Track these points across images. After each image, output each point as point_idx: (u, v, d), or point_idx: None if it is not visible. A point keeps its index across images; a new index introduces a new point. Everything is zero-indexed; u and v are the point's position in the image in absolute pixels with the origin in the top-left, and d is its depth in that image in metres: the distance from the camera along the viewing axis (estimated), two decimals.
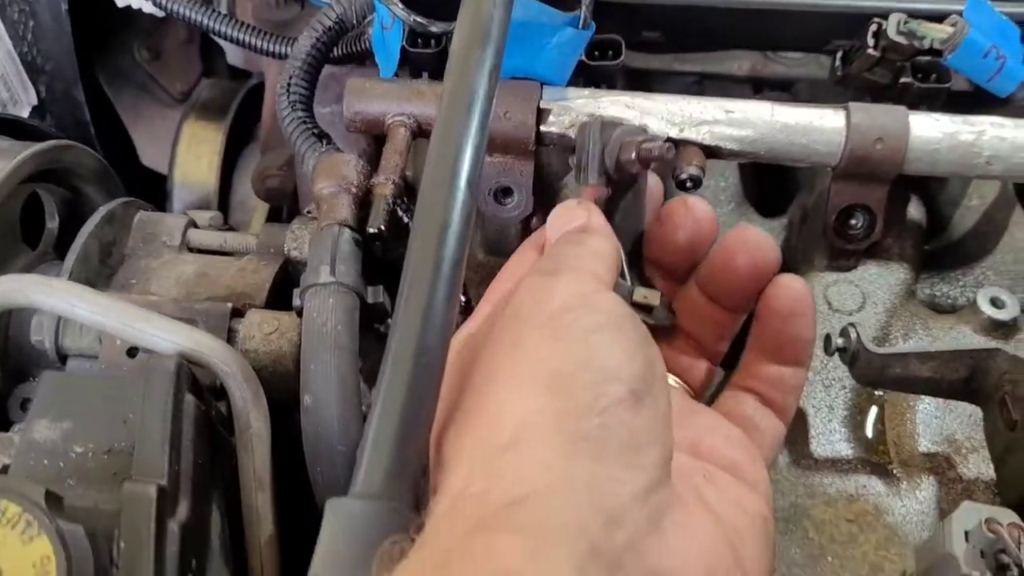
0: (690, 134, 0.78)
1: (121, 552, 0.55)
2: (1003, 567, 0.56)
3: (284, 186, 1.09)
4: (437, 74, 0.86)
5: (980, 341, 0.81)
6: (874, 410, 0.79)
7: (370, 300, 0.73)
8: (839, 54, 0.89)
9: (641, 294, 0.62)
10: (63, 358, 0.76)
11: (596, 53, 0.87)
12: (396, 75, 0.88)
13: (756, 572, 0.51)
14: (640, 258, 0.67)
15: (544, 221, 0.92)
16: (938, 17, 0.82)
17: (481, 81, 0.56)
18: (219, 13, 0.98)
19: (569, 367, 0.46)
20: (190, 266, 0.84)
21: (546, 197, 0.93)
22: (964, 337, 0.81)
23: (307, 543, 0.48)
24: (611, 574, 0.41)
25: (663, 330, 0.64)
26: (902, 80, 0.86)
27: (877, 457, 0.77)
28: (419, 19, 0.83)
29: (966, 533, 0.59)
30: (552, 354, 0.47)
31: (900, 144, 0.78)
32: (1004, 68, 0.81)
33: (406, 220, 0.77)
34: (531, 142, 0.80)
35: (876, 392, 0.79)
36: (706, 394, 0.67)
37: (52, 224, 0.91)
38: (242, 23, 0.97)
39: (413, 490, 0.48)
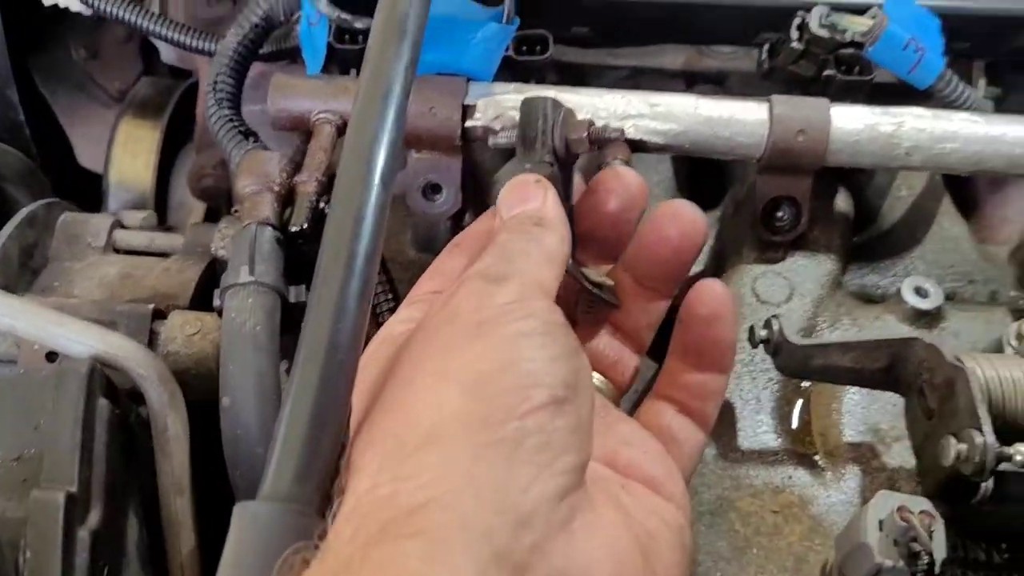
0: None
1: (27, 561, 0.55)
2: (914, 555, 0.57)
3: (219, 185, 1.08)
4: None
5: (904, 330, 0.82)
6: (800, 401, 0.79)
7: (292, 299, 0.72)
8: (766, 47, 0.90)
9: (595, 272, 0.61)
10: None
11: (524, 48, 0.87)
12: (325, 71, 0.87)
13: None
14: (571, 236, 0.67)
15: (475, 216, 0.92)
16: (860, 10, 0.83)
17: (397, 75, 0.56)
18: (148, 11, 0.97)
19: (493, 369, 0.45)
20: (114, 267, 0.83)
21: (477, 193, 0.93)
22: (889, 327, 0.82)
23: None
24: None
25: (605, 311, 0.63)
26: (826, 73, 0.86)
27: (803, 448, 0.77)
28: (344, 15, 0.82)
29: (880, 522, 0.59)
30: (478, 356, 0.46)
31: (822, 135, 0.79)
32: (923, 60, 0.82)
33: None
34: (457, 138, 0.79)
35: (803, 383, 0.80)
36: (631, 390, 0.67)
37: None
38: (172, 21, 0.96)
39: (323, 492, 0.48)
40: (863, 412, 0.78)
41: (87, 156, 1.30)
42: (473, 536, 0.41)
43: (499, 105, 0.79)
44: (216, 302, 0.71)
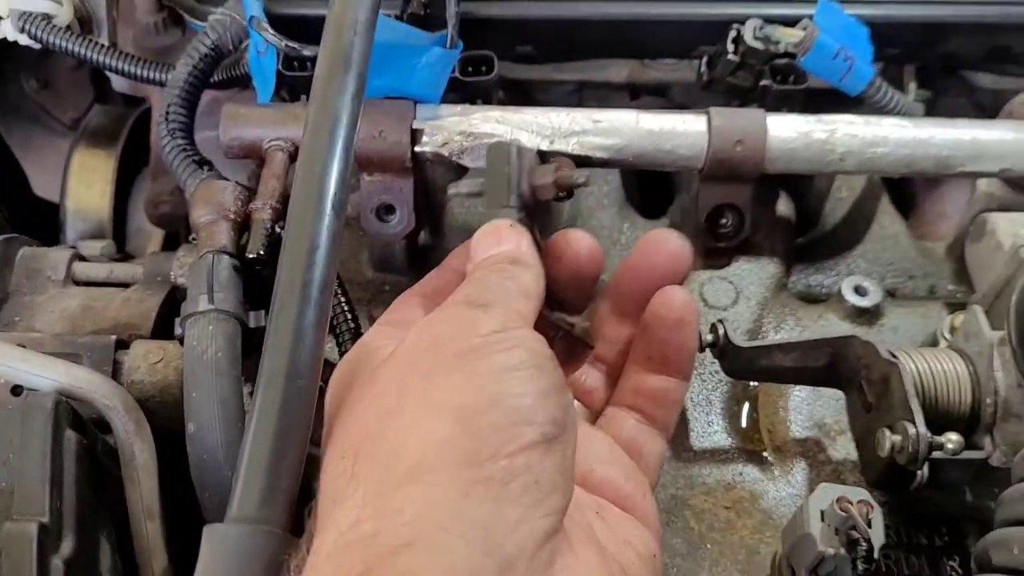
0: (560, 145, 0.81)
1: None
2: (853, 542, 0.60)
3: (176, 212, 1.09)
4: None
5: (845, 328, 0.85)
6: (748, 401, 0.82)
7: (252, 325, 0.74)
8: (704, 60, 0.93)
9: (567, 319, 0.61)
10: None
11: (470, 69, 0.90)
12: (275, 97, 0.89)
13: None
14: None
15: (432, 235, 0.94)
16: (792, 22, 0.87)
17: (343, 106, 0.58)
18: (97, 43, 0.97)
19: (482, 403, 0.45)
20: (75, 299, 0.83)
21: (431, 211, 0.95)
22: (831, 325, 0.86)
23: None
24: None
25: (580, 352, 0.63)
26: (762, 83, 0.90)
27: (752, 445, 0.80)
28: (291, 44, 0.84)
29: (822, 513, 0.62)
30: (466, 387, 0.46)
31: (759, 144, 0.82)
32: (853, 68, 0.85)
33: None
34: (407, 160, 0.82)
35: (751, 384, 0.83)
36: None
37: None
38: (121, 52, 0.97)
39: (290, 512, 0.49)
40: (808, 408, 0.81)
41: (42, 186, 1.30)
42: None
43: (446, 128, 0.81)
44: (177, 330, 0.72)
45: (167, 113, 0.87)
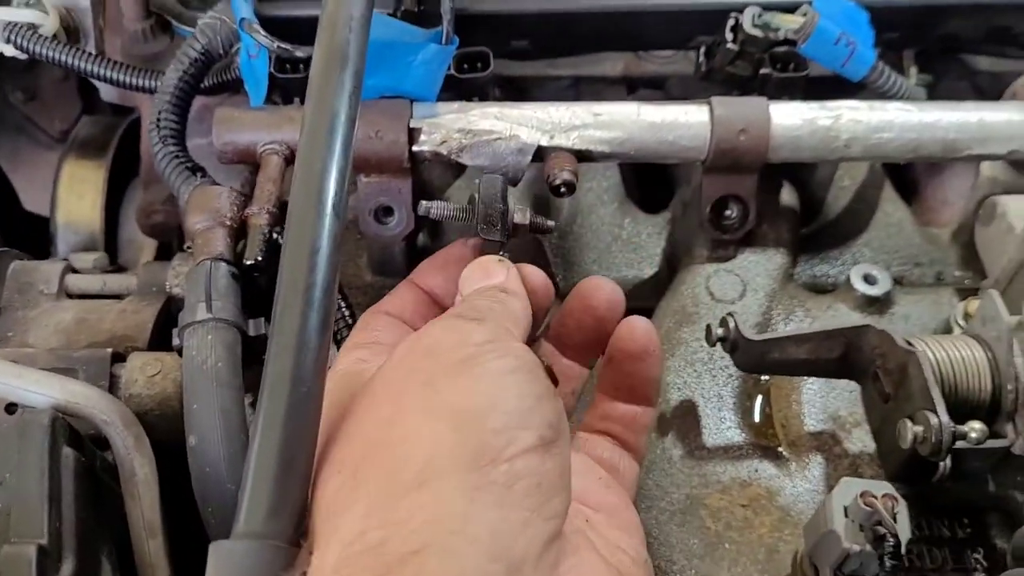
0: (561, 140, 0.79)
1: None
2: (880, 538, 0.58)
3: (169, 221, 1.07)
4: None
5: (856, 318, 0.84)
6: (760, 395, 0.81)
7: (252, 333, 0.72)
8: (702, 50, 0.91)
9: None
10: None
11: (465, 66, 0.88)
12: (267, 101, 0.87)
13: None
14: None
15: (431, 236, 0.93)
16: (791, 8, 0.85)
17: (341, 106, 0.56)
18: (84, 52, 0.95)
19: (481, 407, 0.45)
20: (69, 313, 0.82)
21: None
22: (841, 315, 0.84)
23: None
24: None
25: None
26: (762, 71, 0.88)
27: (767, 440, 0.79)
28: (283, 45, 0.82)
29: (845, 508, 0.61)
30: (465, 392, 0.46)
31: (763, 133, 0.80)
32: (855, 53, 0.84)
33: None
34: (405, 160, 0.80)
35: (762, 377, 0.81)
36: None
37: None
38: (108, 60, 0.95)
39: (297, 526, 0.48)
40: (822, 401, 0.79)
41: (32, 200, 1.28)
42: None
43: (443, 126, 0.79)
44: (175, 341, 0.71)
45: (158, 120, 0.86)
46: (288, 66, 0.87)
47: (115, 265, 1.12)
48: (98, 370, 0.73)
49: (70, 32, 1.01)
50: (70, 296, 0.86)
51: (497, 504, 0.43)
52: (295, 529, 0.47)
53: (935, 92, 0.99)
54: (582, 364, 0.65)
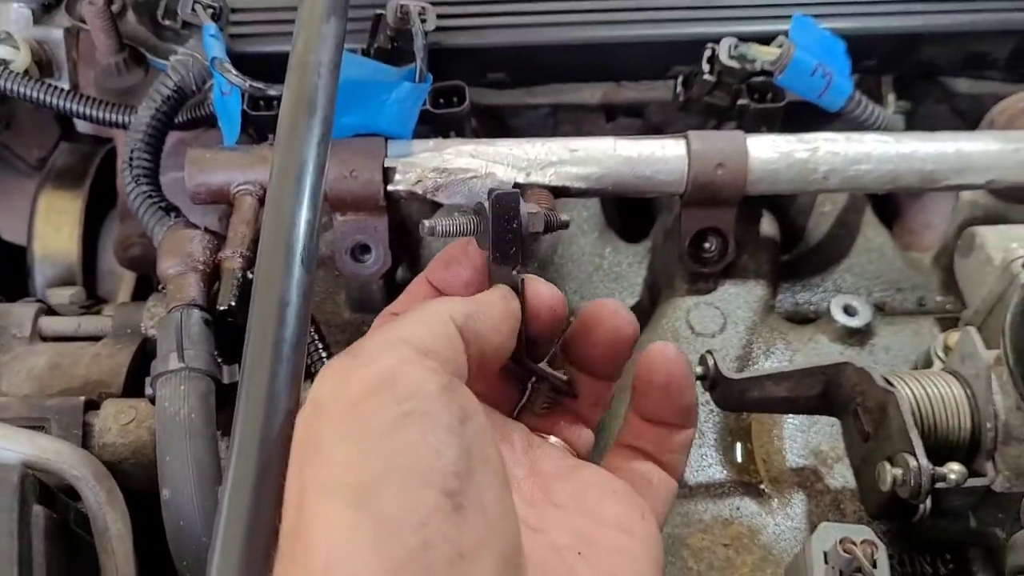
0: (537, 177, 0.79)
1: None
2: None
3: (147, 254, 1.06)
4: None
5: (837, 350, 0.84)
6: (742, 431, 0.80)
7: (226, 380, 0.71)
8: (680, 80, 0.91)
9: (551, 371, 0.57)
10: None
11: (441, 100, 0.88)
12: (244, 137, 0.87)
13: None
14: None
15: (410, 270, 0.92)
16: (767, 39, 0.85)
17: (310, 153, 0.55)
18: (56, 88, 0.95)
19: (374, 474, 0.40)
20: (42, 357, 0.81)
21: (409, 246, 0.93)
22: (822, 347, 0.84)
23: None
24: None
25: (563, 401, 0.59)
26: (740, 102, 0.88)
27: (748, 477, 0.78)
28: (256, 84, 0.81)
29: (824, 554, 0.60)
30: (355, 460, 0.41)
31: (741, 167, 0.80)
32: (832, 84, 0.84)
33: None
34: (380, 199, 0.79)
35: (744, 413, 0.81)
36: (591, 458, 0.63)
37: None
38: (81, 95, 0.94)
39: None
40: (803, 436, 0.79)
41: (9, 230, 1.27)
42: None
43: (418, 165, 0.79)
44: (148, 390, 0.70)
45: (131, 159, 0.85)
46: (262, 104, 0.86)
47: (94, 298, 1.11)
48: (71, 419, 0.72)
49: (42, 66, 1.00)
50: (44, 339, 0.86)
51: None
52: None
53: (914, 116, 0.99)
54: (605, 379, 0.59)
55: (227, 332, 0.74)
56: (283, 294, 0.50)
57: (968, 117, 1.00)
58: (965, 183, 0.83)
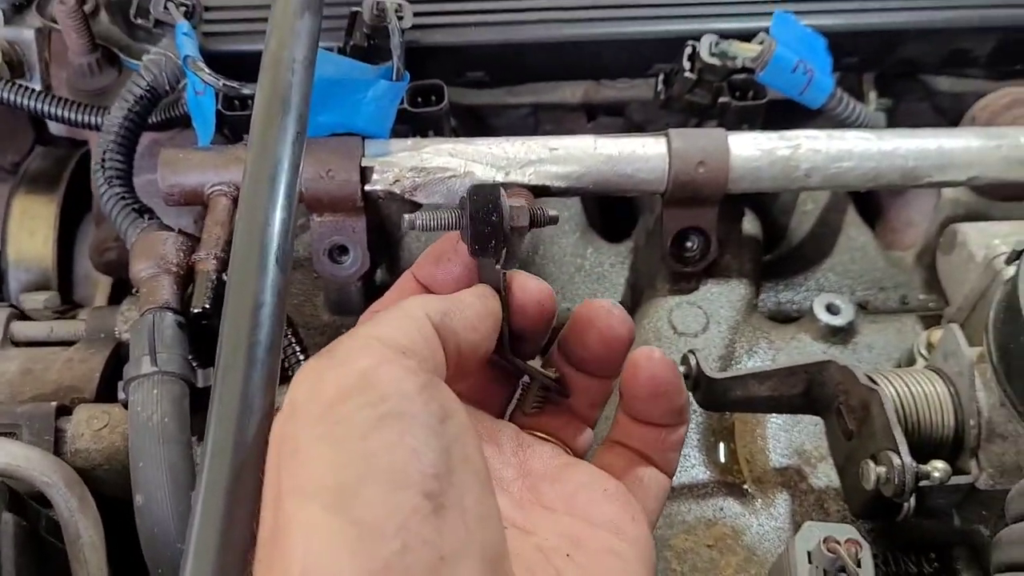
0: (516, 176, 0.78)
1: None
2: None
3: (123, 258, 1.04)
4: None
5: (820, 348, 0.83)
6: (725, 431, 0.80)
7: (201, 384, 0.70)
8: (660, 78, 0.90)
9: (539, 369, 0.57)
10: None
11: (419, 99, 0.87)
12: (219, 137, 0.85)
13: None
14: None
15: (389, 271, 0.91)
16: (748, 36, 0.84)
17: (284, 151, 0.54)
18: (27, 88, 0.93)
19: (353, 477, 0.39)
20: (14, 363, 0.79)
21: (387, 247, 0.92)
22: (805, 346, 0.83)
23: None
24: None
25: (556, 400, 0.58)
26: (721, 99, 0.87)
27: (732, 477, 0.77)
28: (230, 83, 0.80)
29: (808, 554, 0.60)
30: (332, 462, 0.40)
31: (722, 165, 0.79)
32: (813, 81, 0.83)
33: None
34: (358, 199, 0.78)
35: (727, 413, 0.80)
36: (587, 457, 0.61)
37: None
38: (53, 96, 0.93)
39: None
40: (787, 436, 0.78)
41: None
42: None
43: (396, 164, 0.78)
44: (120, 395, 0.68)
45: (103, 160, 0.83)
46: (236, 103, 0.85)
47: (69, 303, 1.09)
48: (42, 425, 0.71)
49: (14, 67, 0.98)
50: (16, 344, 0.84)
51: None
52: None
53: (895, 114, 0.99)
54: (601, 377, 0.58)
55: (202, 335, 0.73)
56: (257, 295, 0.49)
57: (949, 114, 1.00)
58: (947, 180, 0.82)
